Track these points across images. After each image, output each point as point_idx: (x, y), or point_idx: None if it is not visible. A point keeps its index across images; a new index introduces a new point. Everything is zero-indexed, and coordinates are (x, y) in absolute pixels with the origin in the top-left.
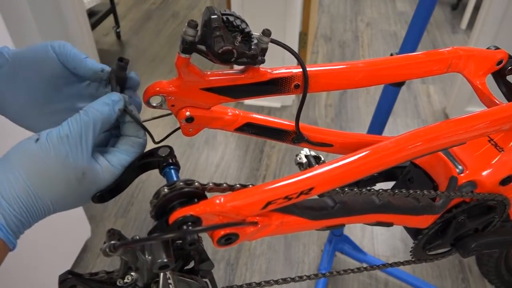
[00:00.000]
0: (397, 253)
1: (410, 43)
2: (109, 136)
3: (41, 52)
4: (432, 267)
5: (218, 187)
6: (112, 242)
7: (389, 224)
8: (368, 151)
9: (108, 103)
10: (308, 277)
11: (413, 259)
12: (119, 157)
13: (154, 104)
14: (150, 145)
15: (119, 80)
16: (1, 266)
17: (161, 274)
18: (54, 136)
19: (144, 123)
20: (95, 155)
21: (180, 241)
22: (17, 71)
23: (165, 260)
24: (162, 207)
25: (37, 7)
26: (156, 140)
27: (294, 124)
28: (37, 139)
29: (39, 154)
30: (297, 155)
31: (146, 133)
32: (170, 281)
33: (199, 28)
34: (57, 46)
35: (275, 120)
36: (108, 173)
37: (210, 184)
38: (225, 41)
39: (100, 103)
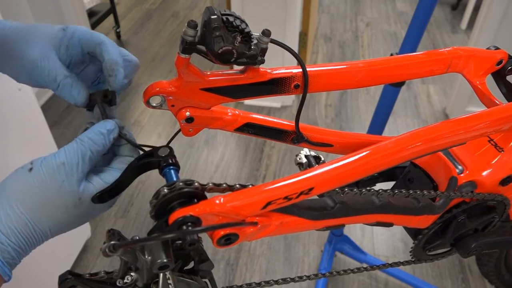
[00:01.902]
0: (397, 253)
1: (410, 43)
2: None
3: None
4: (432, 267)
5: (218, 187)
6: (112, 242)
7: (389, 224)
8: (368, 151)
9: (103, 133)
10: (308, 277)
11: (413, 259)
12: (115, 175)
13: (154, 104)
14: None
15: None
16: None
17: (161, 274)
18: (49, 164)
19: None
20: (89, 177)
21: (180, 241)
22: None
23: (165, 260)
24: (162, 207)
25: (37, 7)
26: (157, 143)
27: (294, 124)
28: (31, 168)
29: (34, 184)
30: (297, 155)
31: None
32: (169, 281)
33: (199, 28)
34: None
35: (275, 120)
36: None
37: (210, 184)
38: (225, 41)
39: (95, 133)
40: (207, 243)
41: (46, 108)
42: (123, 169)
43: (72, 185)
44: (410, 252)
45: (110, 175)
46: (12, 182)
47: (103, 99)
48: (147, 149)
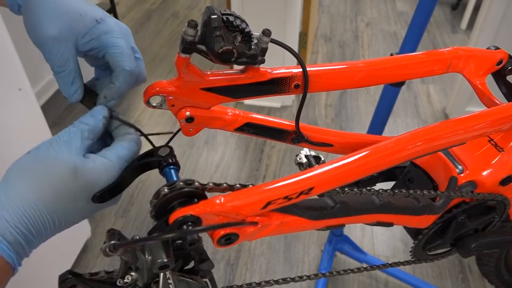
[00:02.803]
0: (397, 253)
1: (410, 43)
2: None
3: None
4: (432, 267)
5: (218, 187)
6: (112, 242)
7: (389, 224)
8: (368, 151)
9: (92, 115)
10: (308, 277)
11: (413, 259)
12: (114, 151)
13: (154, 104)
14: (151, 146)
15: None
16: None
17: (161, 274)
18: (43, 144)
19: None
20: (87, 155)
21: (180, 241)
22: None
23: (165, 260)
24: (162, 207)
25: None
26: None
27: (294, 124)
28: (28, 152)
29: (30, 161)
30: (297, 155)
31: (140, 135)
32: (170, 281)
33: (199, 28)
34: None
35: (275, 120)
36: (103, 167)
37: (210, 184)
38: (225, 41)
39: (85, 116)
40: (207, 243)
41: (46, 108)
42: (122, 145)
43: (66, 156)
44: (410, 252)
45: (109, 151)
46: (12, 167)
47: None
48: (152, 142)
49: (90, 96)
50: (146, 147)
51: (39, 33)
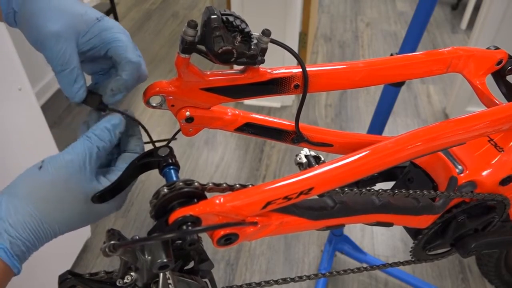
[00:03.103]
0: (397, 253)
1: (410, 43)
2: (109, 156)
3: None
4: (432, 267)
5: (218, 187)
6: (112, 242)
7: (389, 224)
8: (368, 151)
9: (109, 129)
10: (308, 277)
11: (413, 259)
12: (119, 175)
13: (154, 104)
14: (150, 146)
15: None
16: None
17: (161, 274)
18: (57, 162)
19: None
20: (98, 177)
21: (180, 241)
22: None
23: (165, 260)
24: (161, 207)
25: None
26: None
27: (294, 124)
28: (40, 166)
29: (43, 180)
30: (297, 155)
31: (144, 148)
32: (169, 281)
33: (199, 28)
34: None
35: (275, 120)
36: None
37: (210, 184)
38: (225, 41)
39: (101, 129)
40: (207, 243)
41: (46, 108)
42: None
43: (79, 182)
44: (410, 252)
45: (115, 175)
46: (22, 179)
47: (97, 105)
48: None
49: (92, 96)
50: (146, 146)
51: (40, 31)
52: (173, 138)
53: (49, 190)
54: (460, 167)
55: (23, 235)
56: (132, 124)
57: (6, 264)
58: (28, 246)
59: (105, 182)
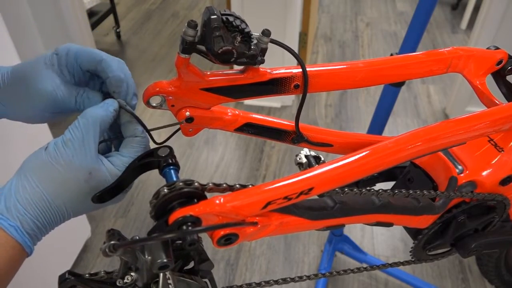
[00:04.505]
0: (397, 253)
1: (410, 43)
2: (110, 146)
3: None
4: (432, 267)
5: (218, 187)
6: (112, 242)
7: (389, 224)
8: (368, 151)
9: (101, 106)
10: (308, 277)
11: (413, 259)
12: (121, 159)
13: (154, 104)
14: (151, 145)
15: None
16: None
17: (161, 274)
18: (59, 143)
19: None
20: (99, 157)
21: (180, 241)
22: (16, 88)
23: (165, 260)
24: (161, 207)
25: (37, 7)
26: (158, 141)
27: (294, 124)
28: (46, 148)
29: (48, 161)
30: (297, 155)
31: (146, 133)
32: (169, 281)
33: (199, 28)
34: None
35: (275, 120)
36: (112, 175)
37: (210, 184)
38: (225, 41)
39: (95, 107)
40: (207, 243)
41: None
42: (129, 152)
43: (81, 159)
44: (410, 252)
45: (117, 159)
46: (30, 160)
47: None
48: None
49: None
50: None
51: (42, 103)
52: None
53: (54, 170)
54: (460, 167)
55: (32, 214)
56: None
57: (19, 242)
58: (38, 226)
59: (107, 164)
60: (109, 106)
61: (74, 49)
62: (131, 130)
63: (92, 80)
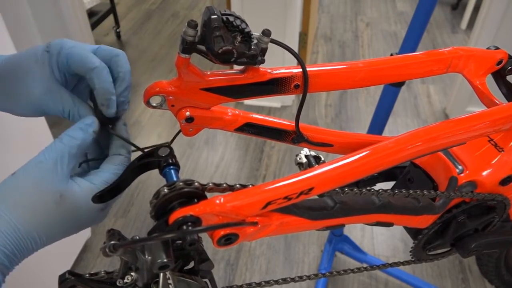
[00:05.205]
0: (397, 253)
1: (410, 43)
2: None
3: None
4: (432, 267)
5: (218, 187)
6: (112, 242)
7: (389, 224)
8: (368, 151)
9: (81, 128)
10: (308, 277)
11: (413, 259)
12: (101, 175)
13: (154, 104)
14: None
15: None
16: None
17: (161, 274)
18: (28, 165)
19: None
20: (74, 178)
21: (180, 241)
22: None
23: (165, 260)
24: (162, 207)
25: (37, 7)
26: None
27: (294, 124)
28: (14, 173)
29: (15, 185)
30: (297, 155)
31: (130, 150)
32: (170, 281)
33: (199, 28)
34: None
35: (275, 120)
36: (89, 193)
37: (210, 184)
38: (225, 41)
39: (74, 129)
40: (207, 243)
41: None
42: (111, 169)
43: (51, 182)
44: (410, 252)
45: (96, 176)
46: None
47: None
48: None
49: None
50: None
51: (30, 103)
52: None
53: (21, 193)
54: (460, 167)
55: (2, 245)
56: (119, 129)
57: None
58: (7, 254)
59: (83, 183)
60: (89, 128)
61: (66, 49)
62: (117, 148)
63: (81, 82)
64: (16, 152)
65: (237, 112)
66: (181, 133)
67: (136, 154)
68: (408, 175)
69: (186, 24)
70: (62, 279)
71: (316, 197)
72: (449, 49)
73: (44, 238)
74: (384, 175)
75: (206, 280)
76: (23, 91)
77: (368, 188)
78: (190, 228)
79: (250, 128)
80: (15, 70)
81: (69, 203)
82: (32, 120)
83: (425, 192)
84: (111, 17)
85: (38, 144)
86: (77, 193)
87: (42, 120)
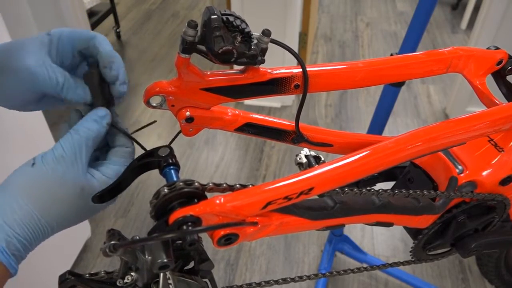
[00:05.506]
0: (397, 253)
1: (410, 43)
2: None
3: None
4: (432, 267)
5: (218, 187)
6: (112, 242)
7: (389, 224)
8: (368, 151)
9: (96, 120)
10: (308, 277)
11: (413, 259)
12: (112, 168)
13: (154, 104)
14: (150, 146)
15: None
16: None
17: (161, 274)
18: (49, 158)
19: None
20: (90, 170)
21: (180, 241)
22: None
23: (165, 260)
24: (162, 207)
25: (37, 7)
26: (157, 143)
27: (294, 124)
28: (33, 163)
29: (37, 177)
30: (297, 155)
31: (134, 142)
32: (170, 281)
33: (199, 28)
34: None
35: (275, 120)
36: (105, 185)
37: (210, 184)
38: (225, 41)
39: (89, 121)
40: (207, 243)
41: None
42: (119, 162)
43: (73, 176)
44: (410, 252)
45: (108, 168)
46: (16, 177)
47: (99, 82)
48: (148, 149)
49: (92, 75)
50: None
51: (21, 80)
52: (172, 138)
53: (44, 186)
54: (460, 167)
55: (20, 234)
56: (120, 123)
57: (3, 264)
58: (24, 245)
59: (98, 176)
60: (103, 120)
61: (67, 31)
62: (121, 141)
63: (79, 68)
64: (16, 152)
65: (237, 112)
66: (181, 133)
67: (137, 153)
68: (408, 175)
69: (186, 24)
70: (62, 279)
71: (316, 197)
72: (449, 49)
73: (61, 226)
74: (384, 175)
75: (206, 280)
76: (15, 65)
77: (368, 188)
78: (190, 228)
79: (250, 128)
80: (10, 47)
81: (88, 195)
82: (32, 120)
83: (425, 192)
84: (111, 17)
85: (37, 143)
86: (95, 185)
87: (42, 120)
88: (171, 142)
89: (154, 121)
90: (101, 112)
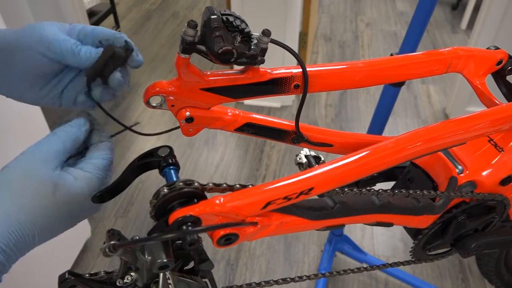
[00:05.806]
0: (397, 253)
1: (410, 43)
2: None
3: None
4: (432, 267)
5: (218, 187)
6: (112, 242)
7: (389, 224)
8: (368, 151)
9: (74, 125)
10: (308, 277)
11: (413, 259)
12: (92, 162)
13: (154, 104)
14: (150, 146)
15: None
16: None
17: (161, 274)
18: (21, 157)
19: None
20: (66, 168)
21: (180, 241)
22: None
23: (165, 260)
24: (161, 207)
25: (37, 7)
26: (157, 143)
27: (294, 124)
28: (6, 165)
29: (8, 176)
30: (297, 155)
31: (109, 135)
32: (169, 281)
33: (198, 28)
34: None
35: (275, 120)
36: (84, 181)
37: (210, 184)
38: (225, 41)
39: (67, 125)
40: (207, 243)
41: (46, 108)
42: (98, 155)
43: (43, 171)
44: (410, 252)
45: (87, 164)
46: None
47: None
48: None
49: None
50: (145, 148)
51: (36, 50)
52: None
53: (13, 185)
54: (460, 167)
55: (1, 241)
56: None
57: None
58: (3, 249)
59: (76, 172)
60: (82, 127)
61: (91, 26)
62: (96, 138)
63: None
64: (16, 152)
65: (237, 112)
66: (181, 133)
67: (137, 153)
68: (408, 175)
69: (186, 24)
70: (62, 279)
71: (316, 197)
72: (449, 49)
73: (42, 231)
74: (384, 175)
75: (206, 280)
76: (35, 36)
77: (368, 188)
78: (190, 228)
79: (250, 128)
80: (24, 28)
81: (64, 193)
82: (32, 120)
83: (425, 192)
84: (111, 17)
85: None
86: (72, 182)
87: (42, 120)
88: (164, 132)
89: (137, 123)
90: (81, 120)
